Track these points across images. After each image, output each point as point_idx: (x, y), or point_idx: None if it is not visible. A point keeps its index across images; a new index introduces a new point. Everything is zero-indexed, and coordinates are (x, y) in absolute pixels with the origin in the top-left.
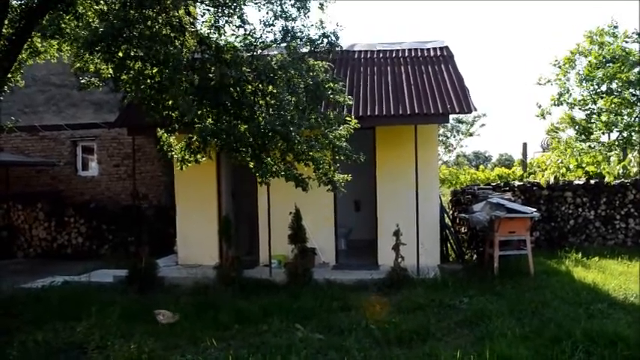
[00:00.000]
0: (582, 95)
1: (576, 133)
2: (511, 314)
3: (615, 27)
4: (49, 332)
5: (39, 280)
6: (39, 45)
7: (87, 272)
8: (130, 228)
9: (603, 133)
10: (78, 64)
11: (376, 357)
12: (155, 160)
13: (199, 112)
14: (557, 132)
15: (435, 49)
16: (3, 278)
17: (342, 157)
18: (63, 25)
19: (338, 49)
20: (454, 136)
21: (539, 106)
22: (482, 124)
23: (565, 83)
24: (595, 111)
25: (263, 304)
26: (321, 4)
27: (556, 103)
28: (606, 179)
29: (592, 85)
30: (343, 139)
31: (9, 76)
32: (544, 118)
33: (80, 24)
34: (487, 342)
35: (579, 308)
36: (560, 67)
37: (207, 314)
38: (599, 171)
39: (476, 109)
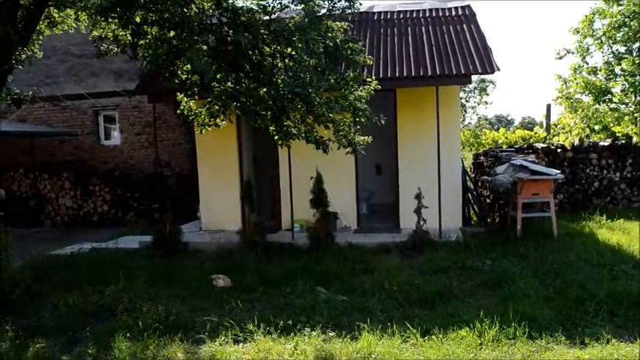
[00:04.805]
0: (604, 59)
1: (593, 98)
2: (534, 276)
3: None
4: (79, 296)
5: (67, 247)
6: (56, 15)
7: (113, 239)
8: (153, 195)
9: (626, 95)
10: (95, 32)
11: (399, 317)
12: (176, 128)
13: (218, 76)
14: (569, 99)
15: (456, 8)
16: (33, 246)
17: (362, 119)
18: None
19: (357, 5)
20: (474, 97)
21: (560, 77)
22: (492, 84)
23: (586, 49)
24: (618, 73)
25: (286, 268)
26: None
27: (578, 70)
28: (634, 140)
29: (612, 44)
30: (363, 100)
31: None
32: (567, 87)
33: None
34: (510, 303)
35: (603, 270)
36: (579, 31)
37: (232, 277)
38: (626, 131)
39: (499, 69)
